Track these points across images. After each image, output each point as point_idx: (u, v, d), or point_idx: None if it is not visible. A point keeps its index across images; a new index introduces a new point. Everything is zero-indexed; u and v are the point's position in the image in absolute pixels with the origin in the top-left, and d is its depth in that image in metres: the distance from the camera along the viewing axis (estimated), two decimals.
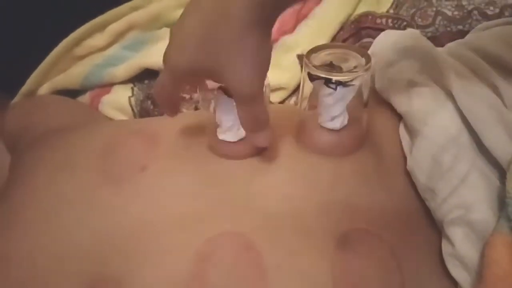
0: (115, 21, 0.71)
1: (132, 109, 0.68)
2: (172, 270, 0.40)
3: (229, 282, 0.40)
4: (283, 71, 0.68)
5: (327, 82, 0.43)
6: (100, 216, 0.45)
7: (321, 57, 0.45)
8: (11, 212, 0.47)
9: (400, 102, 0.49)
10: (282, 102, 0.69)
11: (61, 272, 0.42)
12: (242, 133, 0.46)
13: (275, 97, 0.68)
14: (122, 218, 0.44)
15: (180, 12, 0.72)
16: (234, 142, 0.47)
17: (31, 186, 0.48)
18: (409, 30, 0.56)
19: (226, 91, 0.44)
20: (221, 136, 0.47)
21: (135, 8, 0.72)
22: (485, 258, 0.37)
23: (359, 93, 0.45)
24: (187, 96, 0.68)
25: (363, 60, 0.44)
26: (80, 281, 0.41)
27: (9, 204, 0.48)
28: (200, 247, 0.41)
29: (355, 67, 0.44)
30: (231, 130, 0.46)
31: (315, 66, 0.44)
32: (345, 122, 0.46)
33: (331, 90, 0.43)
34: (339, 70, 0.44)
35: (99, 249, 0.42)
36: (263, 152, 0.48)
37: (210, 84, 0.46)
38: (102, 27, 0.71)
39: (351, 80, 0.43)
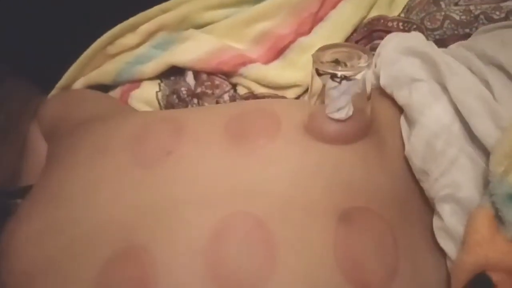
0: (146, 22, 0.74)
1: (159, 103, 0.72)
2: (191, 243, 0.44)
3: (242, 254, 0.44)
4: (298, 69, 0.73)
5: (333, 76, 0.48)
6: (131, 193, 0.49)
7: (328, 55, 0.50)
8: (53, 187, 0.52)
9: (402, 96, 0.54)
10: (297, 98, 0.73)
11: (97, 240, 0.47)
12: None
13: (291, 94, 0.72)
14: (150, 195, 0.49)
15: (205, 14, 0.78)
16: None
17: (70, 165, 0.54)
18: (412, 32, 0.61)
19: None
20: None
21: (165, 11, 0.75)
22: (467, 228, 0.41)
23: (363, 86, 0.50)
24: (210, 91, 0.73)
25: (365, 57, 0.49)
26: (113, 246, 0.45)
27: (51, 181, 0.54)
28: (215, 224, 0.45)
29: (358, 63, 0.49)
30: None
31: (322, 63, 0.49)
32: (350, 113, 0.50)
33: (336, 84, 0.48)
34: (344, 66, 0.49)
35: (130, 221, 0.47)
36: (275, 142, 0.52)
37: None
38: (134, 28, 0.74)
39: (354, 75, 0.48)
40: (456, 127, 0.48)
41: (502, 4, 0.73)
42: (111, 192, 0.50)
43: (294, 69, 0.73)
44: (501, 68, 0.50)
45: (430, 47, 0.54)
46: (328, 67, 0.48)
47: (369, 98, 0.51)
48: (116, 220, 0.48)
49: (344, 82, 0.48)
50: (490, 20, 0.71)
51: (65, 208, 0.50)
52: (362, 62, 0.49)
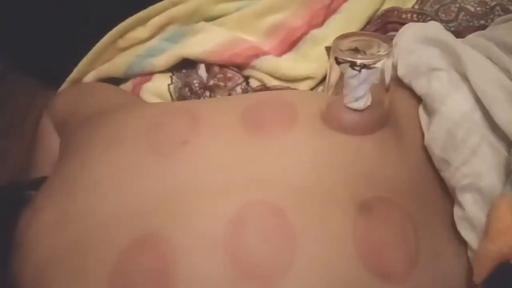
0: (156, 15, 0.75)
1: (171, 96, 0.72)
2: (209, 231, 0.44)
3: (261, 243, 0.44)
4: (311, 62, 0.72)
5: (352, 65, 0.47)
6: (147, 182, 0.49)
7: (347, 44, 0.50)
8: (68, 178, 0.52)
9: (420, 86, 0.53)
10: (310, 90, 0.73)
11: (113, 228, 0.46)
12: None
13: (304, 86, 0.72)
14: (165, 184, 0.49)
15: (216, 7, 0.78)
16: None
17: (84, 156, 0.53)
18: (430, 22, 0.60)
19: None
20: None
21: (175, 4, 0.76)
22: (490, 217, 0.41)
23: (381, 77, 0.49)
24: (222, 84, 0.72)
25: (385, 46, 0.49)
26: (131, 234, 0.45)
27: (66, 172, 0.53)
28: (234, 212, 0.45)
29: (377, 52, 0.48)
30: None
31: (341, 51, 0.48)
32: (368, 103, 0.50)
33: (355, 72, 0.47)
34: (363, 54, 0.48)
35: (147, 209, 0.47)
36: (292, 132, 0.51)
37: None
38: (144, 21, 0.75)
39: (374, 63, 0.47)
40: (477, 115, 0.48)
41: None
42: (127, 181, 0.50)
43: (307, 62, 0.73)
44: None
45: (449, 36, 0.53)
46: (347, 55, 0.48)
47: (387, 89, 0.51)
48: (132, 209, 0.47)
49: (363, 70, 0.47)
50: (506, 11, 0.71)
51: (80, 198, 0.50)
52: (382, 51, 0.48)
